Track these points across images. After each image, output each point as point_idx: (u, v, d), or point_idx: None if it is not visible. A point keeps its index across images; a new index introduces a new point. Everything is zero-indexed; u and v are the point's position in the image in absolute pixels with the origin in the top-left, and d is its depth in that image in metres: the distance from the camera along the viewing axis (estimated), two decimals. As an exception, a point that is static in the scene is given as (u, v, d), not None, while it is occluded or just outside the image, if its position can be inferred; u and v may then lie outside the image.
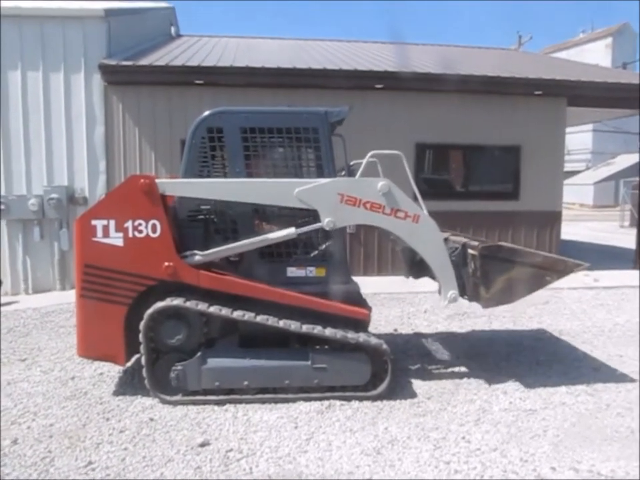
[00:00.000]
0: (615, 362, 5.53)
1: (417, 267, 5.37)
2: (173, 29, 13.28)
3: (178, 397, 4.50)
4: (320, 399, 4.52)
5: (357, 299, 4.87)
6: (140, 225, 4.44)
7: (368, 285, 8.82)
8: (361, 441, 3.89)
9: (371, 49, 12.94)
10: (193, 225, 4.71)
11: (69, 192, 8.50)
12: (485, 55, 13.52)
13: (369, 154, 4.72)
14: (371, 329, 6.58)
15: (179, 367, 4.47)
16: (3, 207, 8.26)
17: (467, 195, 9.44)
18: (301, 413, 4.34)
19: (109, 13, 8.45)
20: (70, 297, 8.12)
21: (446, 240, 4.90)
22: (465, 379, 5.07)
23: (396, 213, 4.57)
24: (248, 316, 4.49)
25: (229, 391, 4.53)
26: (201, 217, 4.73)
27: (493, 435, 3.98)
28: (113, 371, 5.18)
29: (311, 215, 4.61)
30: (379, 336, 6.23)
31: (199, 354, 4.50)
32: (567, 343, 6.18)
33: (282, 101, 8.59)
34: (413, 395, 4.71)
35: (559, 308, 7.73)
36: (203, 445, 3.83)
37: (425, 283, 8.93)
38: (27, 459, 3.64)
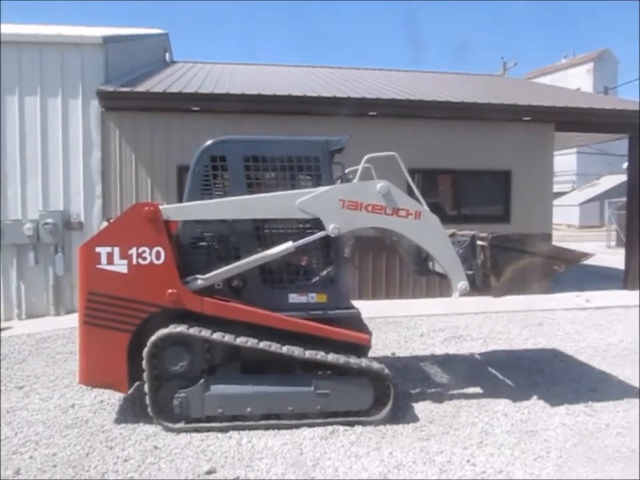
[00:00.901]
0: (611, 382, 5.62)
1: (424, 265, 5.42)
2: (167, 55, 13.43)
3: (181, 425, 4.49)
4: (323, 425, 4.53)
5: (357, 324, 4.92)
6: (144, 252, 4.48)
7: (363, 308, 8.91)
8: (367, 467, 3.91)
9: (365, 76, 13.18)
10: (196, 251, 4.75)
11: (64, 217, 8.50)
12: (472, 82, 13.83)
13: (364, 158, 4.79)
14: (370, 353, 6.70)
15: (182, 394, 4.47)
16: (-3, 231, 8.23)
17: (459, 218, 9.56)
18: (305, 439, 4.35)
19: (107, 40, 8.57)
20: (65, 322, 8.11)
21: (453, 234, 5.01)
22: (465, 402, 5.11)
23: (397, 212, 4.65)
24: (251, 342, 4.51)
25: (232, 418, 4.53)
26: (204, 242, 4.77)
27: (497, 458, 4.02)
28: (113, 399, 5.15)
29: (311, 230, 4.68)
30: (378, 360, 6.33)
31: (201, 381, 4.50)
32: (563, 364, 6.26)
33: (278, 127, 8.75)
34: (415, 419, 4.74)
35: (553, 329, 7.83)
36: (209, 472, 3.83)
37: (420, 306, 9.07)
38: (31, 490, 3.61)
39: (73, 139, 8.58)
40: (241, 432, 4.45)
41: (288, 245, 4.58)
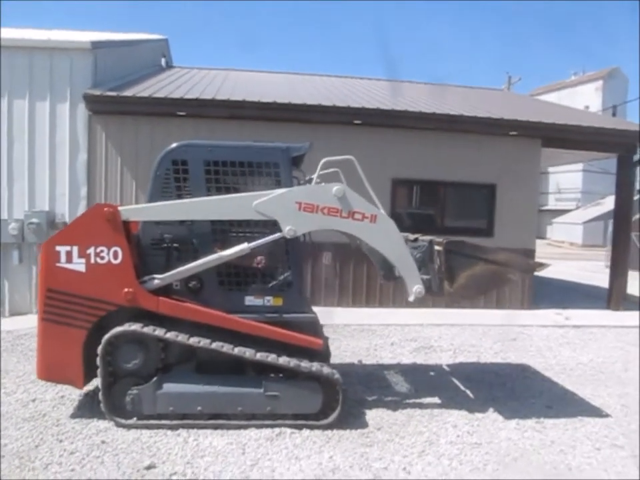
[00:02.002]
0: (569, 400, 5.63)
1: (390, 271, 5.45)
2: (163, 60, 13.66)
3: (133, 421, 4.59)
4: (272, 426, 4.61)
5: (312, 328, 4.98)
6: (102, 251, 4.60)
7: (341, 316, 9.02)
8: (304, 469, 3.98)
9: (355, 85, 13.33)
10: (156, 252, 4.85)
11: (49, 217, 8.68)
12: (466, 94, 13.93)
13: (321, 162, 4.88)
14: (337, 359, 6.78)
15: (135, 391, 4.58)
16: (-18, 230, 8.42)
17: (441, 229, 9.58)
18: (250, 439, 4.43)
19: (96, 45, 8.77)
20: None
21: (416, 239, 5.08)
22: (419, 411, 5.16)
23: (353, 215, 4.72)
24: (204, 342, 4.61)
25: (183, 416, 4.62)
26: (163, 243, 4.86)
27: (435, 467, 4.08)
28: (74, 394, 5.25)
29: (268, 233, 4.75)
30: (342, 366, 6.39)
31: (154, 379, 4.60)
32: (527, 380, 6.28)
33: (263, 133, 8.83)
34: (364, 425, 4.80)
35: (525, 345, 7.85)
36: (149, 467, 3.92)
37: (397, 315, 9.12)
38: (-27, 478, 3.71)
39: (60, 142, 8.78)
40: (190, 430, 4.53)
41: (243, 247, 4.68)
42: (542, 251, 25.52)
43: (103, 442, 4.30)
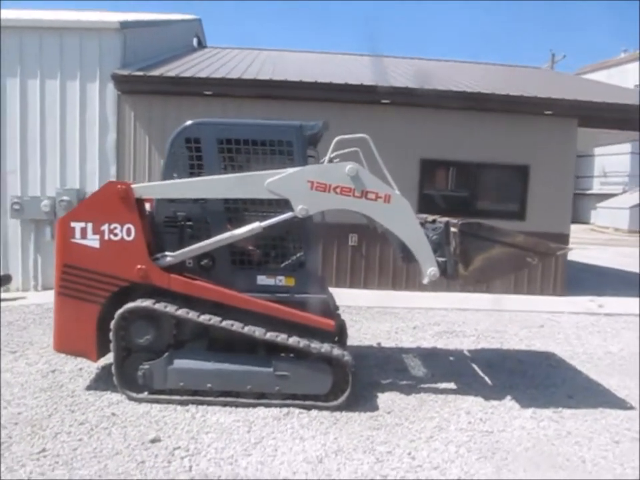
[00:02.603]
0: (592, 390, 5.41)
1: (409, 252, 5.35)
2: (195, 40, 13.68)
3: (144, 395, 4.67)
4: (281, 406, 4.61)
5: (324, 309, 4.93)
6: (115, 228, 4.65)
7: (365, 298, 8.95)
8: (307, 449, 3.96)
9: (387, 64, 13.04)
10: (169, 229, 4.88)
11: (79, 195, 8.87)
12: (500, 72, 13.46)
13: (334, 140, 4.74)
14: (356, 341, 6.75)
15: (146, 366, 4.65)
16: (17, 207, 8.69)
17: (471, 212, 9.33)
18: (258, 417, 4.44)
19: (125, 25, 8.85)
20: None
21: (434, 221, 4.96)
22: (433, 396, 5.07)
23: (366, 195, 4.62)
24: (214, 320, 4.63)
25: (193, 392, 4.67)
26: (177, 221, 4.89)
27: (440, 454, 3.98)
28: (92, 367, 5.37)
29: (281, 213, 4.69)
30: (360, 349, 6.35)
31: (165, 354, 4.66)
32: (550, 368, 6.08)
33: (290, 112, 8.79)
34: (374, 408, 4.74)
35: (553, 332, 7.60)
36: (153, 441, 3.97)
37: (423, 299, 8.98)
38: (-13, 443, 3.85)
39: (90, 121, 8.95)
40: (199, 406, 4.58)
41: (254, 226, 4.65)
42: (584, 236, 24.80)
43: (113, 414, 4.39)
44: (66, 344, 4.81)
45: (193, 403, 4.61)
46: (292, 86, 8.94)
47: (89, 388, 4.94)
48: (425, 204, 9.48)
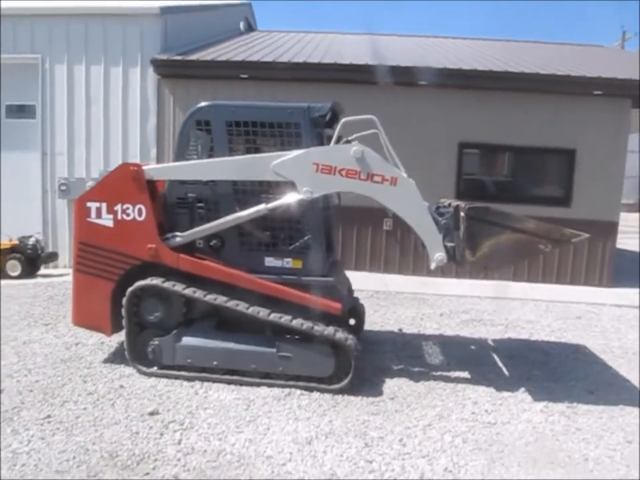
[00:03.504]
0: (617, 387, 5.11)
1: None
2: (242, 24, 13.77)
3: (153, 370, 4.84)
4: (283, 387, 4.66)
5: (331, 293, 4.92)
6: (128, 208, 4.81)
7: (396, 283, 8.84)
8: (299, 430, 3.99)
9: (424, 44, 12.68)
10: (181, 210, 4.99)
11: (121, 176, 9.23)
12: (550, 51, 12.74)
13: (341, 122, 4.69)
14: (377, 327, 6.70)
15: (156, 342, 4.81)
16: (64, 187, 9.15)
17: (511, 198, 8.99)
18: (259, 397, 4.51)
19: (165, 10, 9.05)
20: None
21: (449, 205, 4.85)
22: (442, 384, 4.97)
23: (372, 178, 4.56)
24: (220, 300, 4.72)
25: (200, 369, 4.80)
26: (188, 202, 4.99)
27: (434, 443, 3.91)
28: (114, 341, 5.60)
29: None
30: (380, 334, 6.30)
31: (174, 331, 4.80)
32: (576, 361, 5.80)
33: (324, 95, 8.67)
34: (378, 393, 4.71)
35: (590, 324, 7.23)
36: (152, 413, 4.13)
37: (456, 286, 8.76)
38: (1, 407, 4.12)
39: (132, 106, 9.27)
40: (205, 383, 4.71)
41: (260, 207, 4.68)
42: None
43: (121, 386, 4.59)
44: (83, 318, 5.05)
45: (199, 379, 4.74)
46: (325, 68, 8.86)
47: (105, 361, 5.17)
48: (463, 189, 9.21)
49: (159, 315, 4.86)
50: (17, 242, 8.76)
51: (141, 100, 9.24)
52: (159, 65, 8.93)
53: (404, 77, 8.75)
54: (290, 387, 4.66)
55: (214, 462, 3.51)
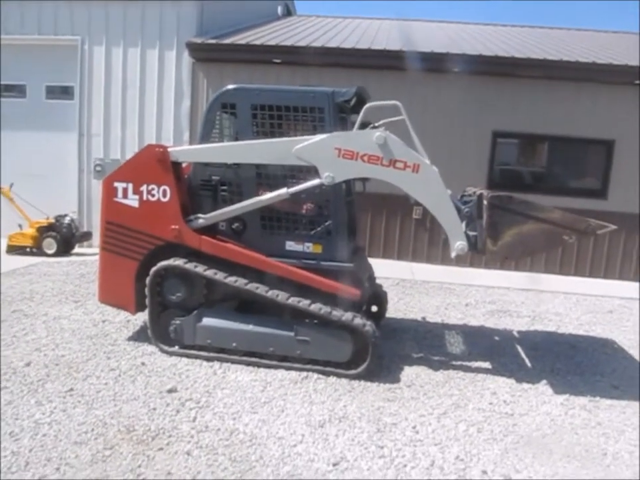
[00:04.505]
0: (644, 383, 4.99)
1: None
2: (280, 9, 13.73)
3: (175, 349, 4.94)
4: (301, 370, 4.69)
5: (353, 278, 4.90)
6: (153, 189, 4.89)
7: (423, 271, 8.76)
8: (313, 413, 4.02)
9: (459, 31, 12.37)
10: (205, 192, 5.05)
11: (155, 159, 9.40)
12: (589, 38, 12.27)
13: (364, 107, 4.65)
14: (400, 314, 6.67)
15: (177, 322, 4.91)
16: (99, 168, 9.34)
17: (546, 189, 8.77)
18: (276, 379, 4.55)
19: (202, -6, 9.11)
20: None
21: (474, 193, 4.78)
22: (461, 374, 4.92)
23: (394, 164, 4.51)
24: (239, 282, 4.77)
25: (220, 350, 4.87)
26: (212, 184, 5.04)
27: (447, 431, 3.88)
28: (140, 319, 5.74)
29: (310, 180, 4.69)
30: (402, 322, 6.27)
31: (195, 312, 4.89)
32: (603, 355, 5.65)
33: (355, 80, 8.60)
34: (395, 380, 4.69)
35: (621, 318, 7.02)
36: (170, 391, 4.22)
37: (486, 276, 8.63)
38: (27, 379, 4.29)
39: (167, 89, 9.40)
40: (224, 364, 4.77)
41: (281, 192, 4.70)
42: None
43: (143, 364, 4.70)
44: (108, 296, 5.18)
45: (219, 360, 4.81)
46: (358, 54, 8.79)
47: (130, 339, 5.30)
48: (496, 179, 9.03)
49: (181, 295, 4.95)
50: (53, 221, 9.05)
51: (175, 83, 9.36)
52: (193, 49, 9.02)
53: (439, 64, 8.59)
54: (307, 370, 4.69)
55: (226, 440, 3.57)
